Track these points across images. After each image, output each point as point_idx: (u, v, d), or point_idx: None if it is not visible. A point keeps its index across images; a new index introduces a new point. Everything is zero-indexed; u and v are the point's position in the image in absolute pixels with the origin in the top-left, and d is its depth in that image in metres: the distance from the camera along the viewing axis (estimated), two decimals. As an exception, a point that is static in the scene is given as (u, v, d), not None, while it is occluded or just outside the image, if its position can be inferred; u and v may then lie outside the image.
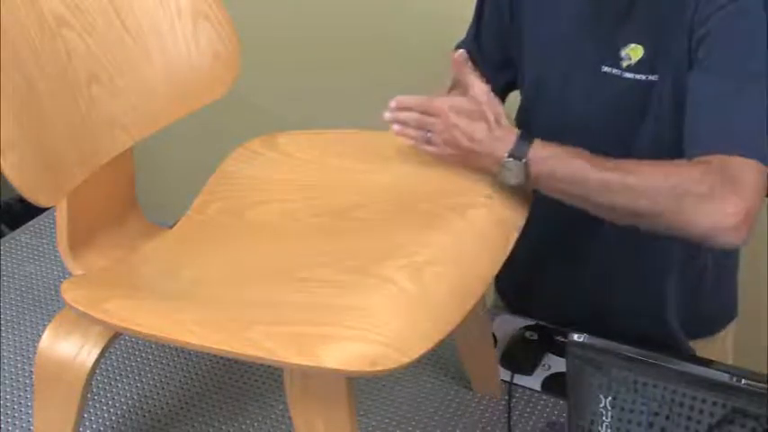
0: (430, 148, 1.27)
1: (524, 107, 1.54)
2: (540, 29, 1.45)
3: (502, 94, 1.57)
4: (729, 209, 1.17)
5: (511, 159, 1.22)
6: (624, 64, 1.36)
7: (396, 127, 1.28)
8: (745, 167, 1.20)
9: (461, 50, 1.32)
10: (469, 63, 1.30)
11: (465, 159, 1.25)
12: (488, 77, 1.54)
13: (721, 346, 1.60)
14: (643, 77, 1.35)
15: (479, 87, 1.28)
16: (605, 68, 1.38)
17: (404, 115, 1.28)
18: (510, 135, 1.24)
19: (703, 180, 1.19)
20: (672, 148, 1.29)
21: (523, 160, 1.22)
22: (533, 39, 1.47)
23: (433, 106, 1.26)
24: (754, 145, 1.22)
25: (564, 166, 1.22)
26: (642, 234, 1.37)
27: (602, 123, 1.40)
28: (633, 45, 1.36)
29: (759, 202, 1.21)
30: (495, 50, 1.54)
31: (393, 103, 1.28)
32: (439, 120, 1.25)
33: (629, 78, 1.36)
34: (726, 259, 1.55)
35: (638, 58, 1.35)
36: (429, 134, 1.27)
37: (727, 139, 1.23)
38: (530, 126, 1.51)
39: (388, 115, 1.28)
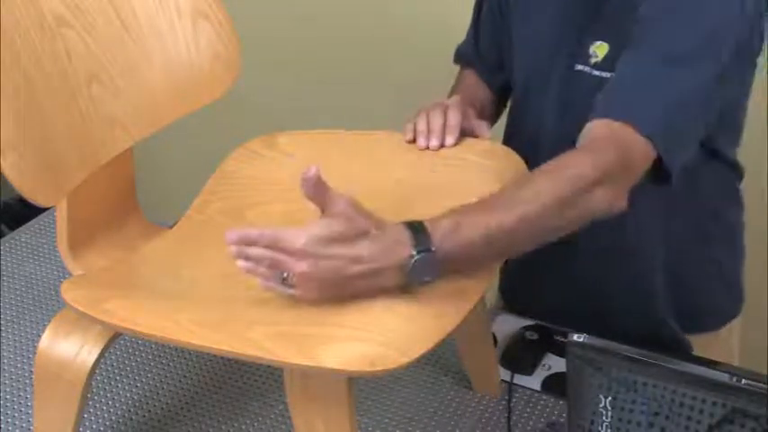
0: (291, 291, 1.06)
1: (513, 110, 1.55)
2: (526, 30, 1.46)
3: (500, 96, 1.57)
4: (620, 183, 1.17)
5: (419, 255, 1.05)
6: (592, 61, 1.37)
7: (241, 263, 1.06)
8: (636, 140, 1.20)
9: (313, 168, 1.08)
10: (322, 180, 1.08)
11: (352, 287, 1.05)
12: (486, 78, 1.56)
13: (725, 344, 1.60)
14: (607, 75, 1.34)
15: (342, 201, 1.07)
16: (578, 66, 1.39)
17: (253, 252, 1.05)
18: (400, 231, 1.06)
19: (591, 166, 1.16)
20: None
21: (432, 249, 1.05)
22: (520, 40, 1.48)
23: (288, 242, 1.04)
24: (647, 118, 1.21)
25: (466, 231, 1.08)
26: (627, 234, 1.38)
27: (576, 122, 1.41)
28: (599, 42, 1.36)
29: (639, 172, 1.21)
30: (493, 53, 1.55)
31: (233, 237, 1.06)
32: (298, 259, 1.03)
33: (597, 76, 1.36)
34: (723, 255, 1.55)
35: (603, 55, 1.36)
36: (285, 274, 1.05)
37: (630, 109, 1.22)
38: (517, 130, 1.52)
39: (233, 249, 1.06)
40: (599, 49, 1.36)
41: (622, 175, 1.18)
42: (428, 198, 1.24)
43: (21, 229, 1.87)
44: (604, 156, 1.18)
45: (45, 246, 1.81)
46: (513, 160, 1.31)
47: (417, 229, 1.06)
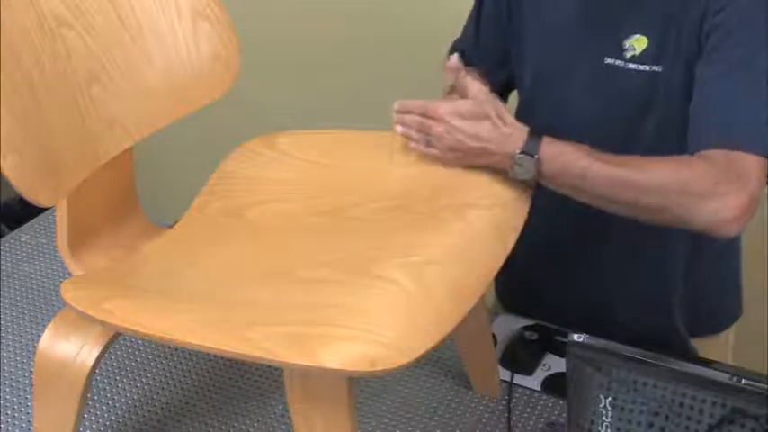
0: (432, 151, 1.29)
1: (523, 105, 1.54)
2: (540, 24, 1.45)
3: (500, 93, 1.57)
4: (731, 203, 1.21)
5: (523, 155, 1.24)
6: (628, 55, 1.37)
7: (399, 128, 1.31)
8: (749, 162, 1.23)
9: (455, 56, 1.33)
10: (463, 66, 1.32)
11: (471, 158, 1.27)
12: (486, 76, 1.55)
13: (724, 345, 1.61)
14: (647, 68, 1.35)
15: (478, 87, 1.29)
16: (608, 60, 1.38)
17: (407, 118, 1.30)
18: (519, 131, 1.26)
19: (707, 176, 1.22)
20: (675, 139, 1.29)
21: (535, 156, 1.23)
22: (533, 34, 1.47)
23: (433, 110, 1.28)
24: (757, 139, 1.25)
25: (572, 163, 1.24)
26: (644, 235, 1.37)
27: (604, 116, 1.40)
28: (637, 36, 1.36)
29: (760, 195, 1.24)
30: (494, 49, 1.54)
31: (396, 106, 1.31)
32: (439, 124, 1.27)
33: (632, 69, 1.36)
34: (729, 258, 1.55)
35: (642, 49, 1.36)
36: (429, 137, 1.28)
37: (732, 133, 1.25)
38: (529, 124, 1.51)
39: (394, 116, 1.31)
40: (636, 43, 1.36)
41: (736, 195, 1.21)
42: (429, 197, 1.24)
43: (21, 229, 1.87)
44: (718, 174, 1.22)
45: (45, 246, 1.81)
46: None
47: (533, 136, 1.26)
